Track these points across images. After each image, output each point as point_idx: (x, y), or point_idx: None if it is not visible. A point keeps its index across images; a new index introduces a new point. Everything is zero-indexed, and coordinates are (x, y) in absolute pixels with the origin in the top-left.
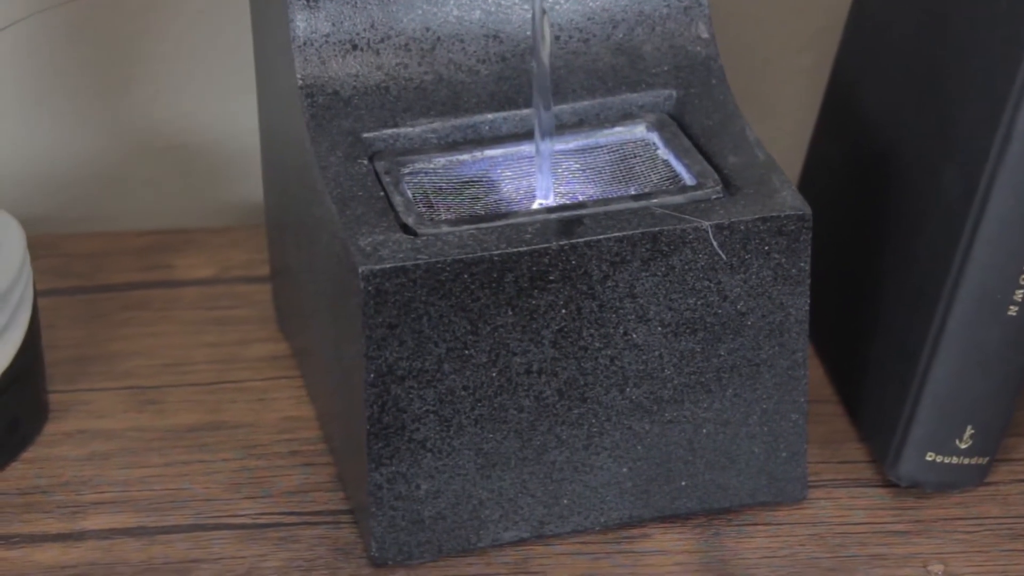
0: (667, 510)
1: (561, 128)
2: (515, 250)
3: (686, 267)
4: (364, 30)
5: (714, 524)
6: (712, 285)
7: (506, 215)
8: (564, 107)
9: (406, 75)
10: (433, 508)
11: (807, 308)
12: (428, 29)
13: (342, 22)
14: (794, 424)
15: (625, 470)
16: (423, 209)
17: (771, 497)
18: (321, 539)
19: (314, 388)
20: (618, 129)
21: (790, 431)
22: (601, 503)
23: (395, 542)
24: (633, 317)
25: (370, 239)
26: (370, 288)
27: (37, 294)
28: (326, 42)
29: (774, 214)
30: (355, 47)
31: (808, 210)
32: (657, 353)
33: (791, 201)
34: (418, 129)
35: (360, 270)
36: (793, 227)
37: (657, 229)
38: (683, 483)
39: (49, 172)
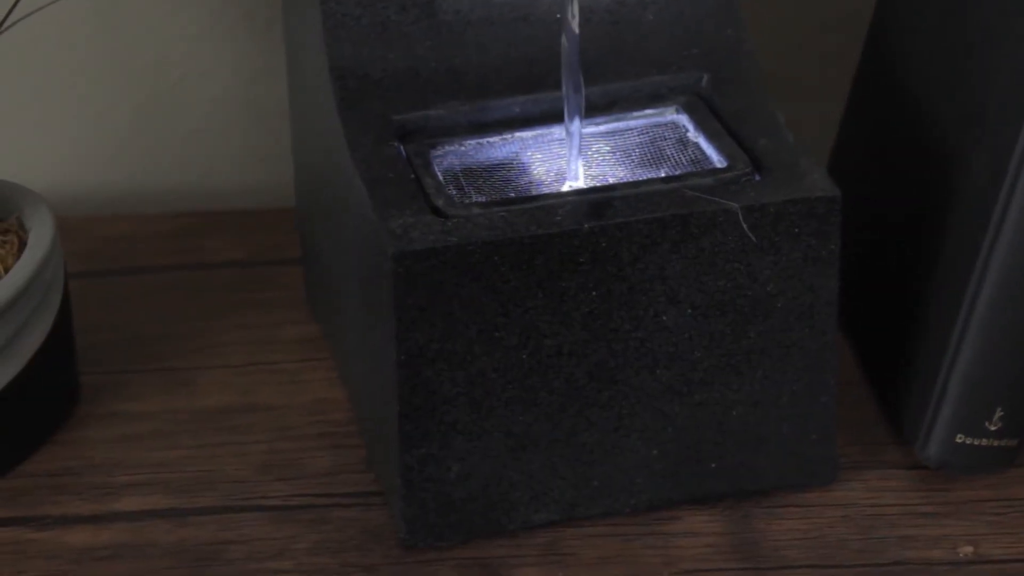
0: (697, 492)
1: (591, 110)
2: (545, 232)
3: (716, 249)
4: (395, 13)
5: (744, 506)
6: (742, 267)
7: (536, 197)
8: (594, 89)
9: (436, 57)
10: (463, 490)
11: (837, 290)
12: (458, 12)
13: (373, 4)
14: (824, 406)
15: (655, 452)
16: (453, 191)
17: (801, 479)
18: (352, 521)
19: (345, 370)
20: (648, 111)
21: (820, 413)
22: (631, 485)
23: (425, 524)
24: (663, 299)
25: (400, 221)
26: (400, 270)
27: (68, 277)
28: (357, 24)
29: (804, 196)
30: (385, 29)
31: (838, 192)
32: (687, 335)
33: (821, 183)
34: (448, 111)
35: (391, 252)
36: (823, 209)
37: (687, 211)
38: (713, 465)
39: (79, 155)
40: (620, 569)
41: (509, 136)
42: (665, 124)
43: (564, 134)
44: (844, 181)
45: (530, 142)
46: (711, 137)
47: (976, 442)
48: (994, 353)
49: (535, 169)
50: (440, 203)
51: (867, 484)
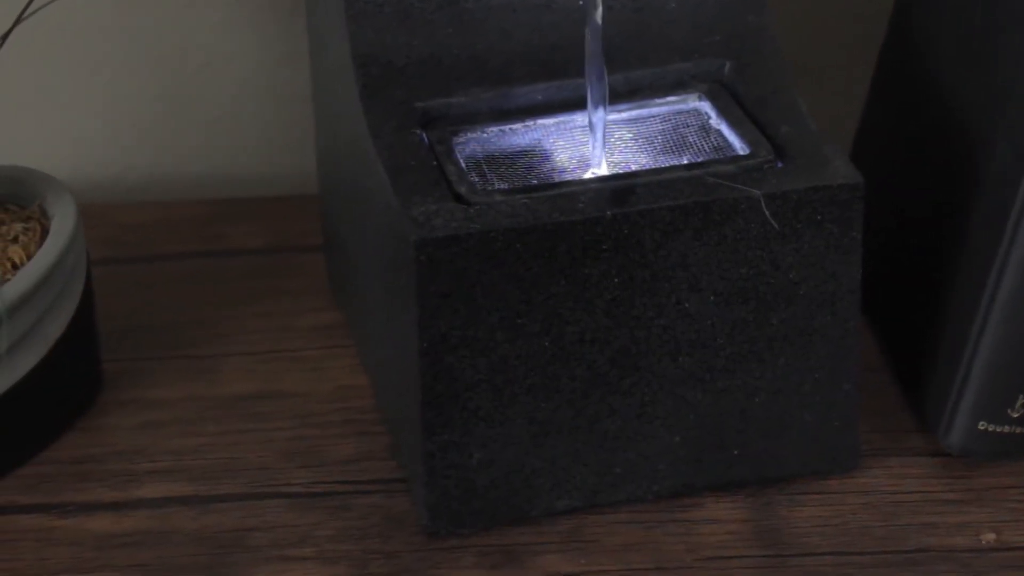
0: (720, 479)
1: (614, 97)
2: (568, 219)
3: (738, 236)
4: (417, 0)
5: (766, 493)
6: (764, 254)
7: (559, 184)
8: (617, 76)
9: (459, 44)
10: (486, 477)
11: (859, 277)
12: None
13: None
14: (846, 393)
15: (678, 439)
16: (476, 178)
17: (823, 466)
18: (374, 508)
19: (368, 357)
20: (671, 98)
21: (842, 400)
22: (654, 472)
23: (447, 511)
24: (685, 286)
25: (423, 208)
26: (423, 257)
27: (91, 264)
28: (379, 12)
29: (826, 183)
30: (408, 16)
31: (860, 179)
32: (709, 322)
33: (843, 171)
34: (471, 98)
35: (413, 239)
36: (845, 196)
37: (709, 198)
38: (735, 452)
39: (101, 142)
40: (643, 556)
41: (532, 123)
42: (687, 111)
43: (587, 121)
44: (866, 167)
45: (552, 129)
46: (733, 124)
47: (998, 429)
48: (1016, 340)
49: (558, 156)
50: (462, 190)
51: (889, 471)
